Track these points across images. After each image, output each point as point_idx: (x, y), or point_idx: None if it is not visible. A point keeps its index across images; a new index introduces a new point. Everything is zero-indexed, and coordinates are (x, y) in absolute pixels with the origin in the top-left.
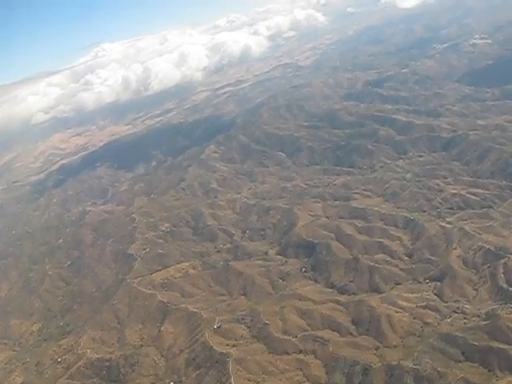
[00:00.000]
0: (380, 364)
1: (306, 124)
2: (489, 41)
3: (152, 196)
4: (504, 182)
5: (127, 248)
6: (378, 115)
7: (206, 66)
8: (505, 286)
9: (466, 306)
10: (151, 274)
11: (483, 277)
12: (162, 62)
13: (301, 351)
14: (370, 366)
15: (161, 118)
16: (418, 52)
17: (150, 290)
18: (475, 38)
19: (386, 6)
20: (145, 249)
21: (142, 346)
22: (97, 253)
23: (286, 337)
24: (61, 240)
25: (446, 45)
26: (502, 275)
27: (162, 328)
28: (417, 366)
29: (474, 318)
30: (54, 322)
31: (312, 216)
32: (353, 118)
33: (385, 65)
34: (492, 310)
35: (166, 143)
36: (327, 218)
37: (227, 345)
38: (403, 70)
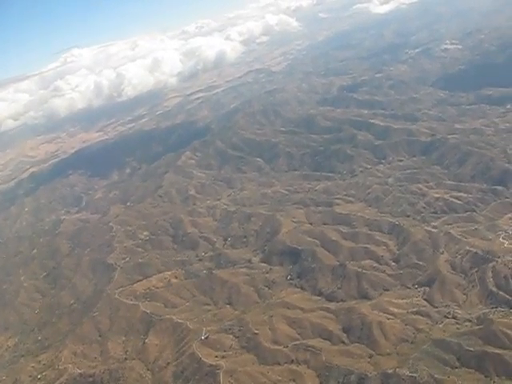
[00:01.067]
0: (375, 372)
1: (283, 129)
2: (459, 46)
3: (128, 204)
4: (485, 185)
5: (106, 257)
6: (356, 120)
7: (181, 71)
8: (494, 289)
9: (457, 310)
10: (132, 284)
11: (472, 281)
12: (135, 68)
13: (292, 361)
14: (366, 374)
15: (133, 124)
16: (390, 57)
17: (132, 300)
18: (446, 44)
19: (357, 11)
20: (124, 258)
21: (126, 359)
22: (74, 263)
23: (276, 347)
24: (35, 250)
25: (417, 50)
26: (491, 279)
27: (146, 340)
28: (413, 374)
29: (465, 323)
30: (31, 337)
31: (295, 222)
32: (330, 123)
33: (358, 70)
34: (483, 314)
35: (140, 150)
36: (311, 224)
37: (216, 356)
38: (377, 75)
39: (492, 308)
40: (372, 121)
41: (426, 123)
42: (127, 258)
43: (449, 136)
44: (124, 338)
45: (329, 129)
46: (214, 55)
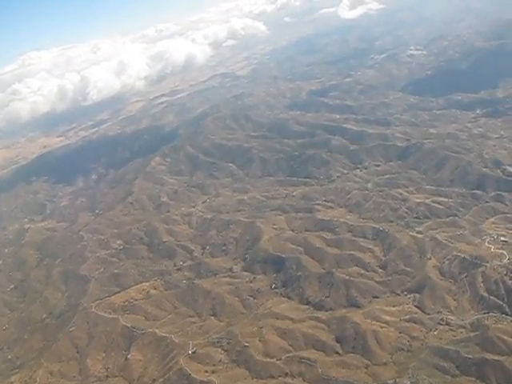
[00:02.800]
0: None
1: (254, 134)
2: (424, 52)
3: (97, 211)
4: (464, 189)
5: (78, 268)
6: (328, 125)
7: (148, 74)
8: (486, 295)
9: (450, 317)
10: (109, 296)
11: (462, 286)
12: (100, 71)
13: (287, 374)
14: None
15: (95, 129)
16: (356, 62)
17: (110, 314)
18: (411, 50)
19: (323, 16)
20: (98, 269)
21: (107, 376)
22: (43, 274)
23: (268, 359)
24: (0, 261)
25: (383, 55)
26: (482, 284)
27: (128, 356)
28: None
29: (460, 330)
30: (0, 356)
31: (276, 229)
32: (302, 128)
33: (325, 74)
34: (477, 320)
35: (106, 155)
36: (292, 230)
37: (206, 371)
38: (346, 80)
39: (484, 313)
40: (345, 125)
41: (399, 128)
42: (101, 269)
43: (424, 141)
44: (104, 354)
45: (302, 133)
46: (183, 59)
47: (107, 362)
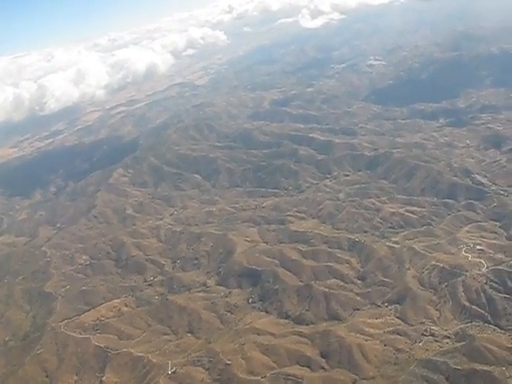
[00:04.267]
0: None
1: (219, 144)
2: (383, 62)
3: (58, 225)
4: (435, 198)
5: (42, 286)
6: (294, 134)
7: (108, 83)
8: (467, 304)
9: (433, 327)
10: (79, 315)
11: (443, 296)
12: (57, 80)
13: None
14: None
15: (51, 139)
16: (316, 72)
17: (80, 334)
18: (370, 60)
19: (280, 26)
20: (64, 286)
21: None
22: (4, 293)
23: (252, 377)
24: None
25: (343, 65)
26: (463, 293)
27: (103, 378)
28: None
29: (445, 340)
30: None
31: (249, 242)
32: (268, 138)
33: (286, 84)
34: (461, 329)
35: (64, 167)
36: (266, 243)
37: None
38: (308, 90)
39: (467, 323)
40: (311, 135)
41: (366, 137)
42: (68, 286)
43: (392, 150)
44: (76, 377)
45: (267, 143)
46: (145, 67)
47: None
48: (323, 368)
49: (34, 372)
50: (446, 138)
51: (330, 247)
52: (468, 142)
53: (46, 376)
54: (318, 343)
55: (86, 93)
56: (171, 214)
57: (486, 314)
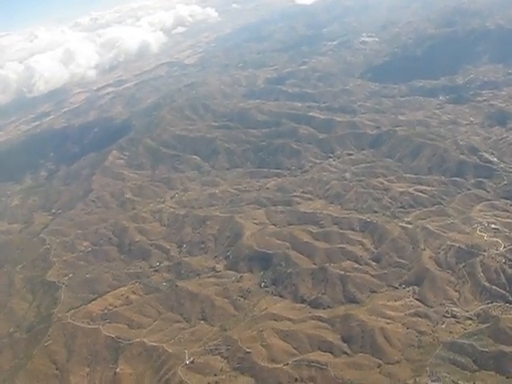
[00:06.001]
0: None
1: (216, 124)
2: (376, 39)
3: (53, 211)
4: (443, 177)
5: (44, 274)
6: (293, 113)
7: (99, 63)
8: (487, 284)
9: (454, 308)
10: (86, 304)
11: (461, 277)
12: (46, 60)
13: (296, 380)
14: None
15: (38, 122)
16: (308, 49)
17: (89, 324)
18: (363, 36)
19: (267, 2)
20: (67, 274)
21: None
22: (4, 283)
23: (274, 365)
24: None
25: (335, 42)
26: (482, 274)
27: (117, 370)
28: (436, 383)
29: (467, 322)
30: None
31: (257, 224)
32: (266, 117)
33: (279, 62)
34: (482, 311)
35: (53, 150)
36: (274, 225)
37: (208, 383)
38: (302, 67)
39: (488, 303)
40: (310, 114)
41: (366, 115)
42: (70, 274)
43: (396, 128)
44: (88, 369)
45: (266, 123)
46: (136, 46)
47: (93, 378)
48: (346, 353)
49: (44, 365)
50: (449, 116)
51: (341, 228)
52: (472, 119)
53: (56, 369)
54: (339, 328)
55: (76, 73)
56: (172, 197)
57: (507, 294)
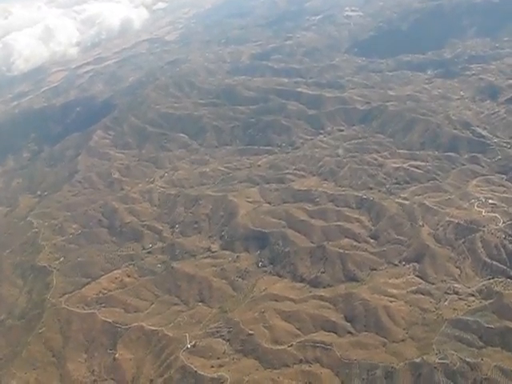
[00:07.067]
0: (402, 363)
1: (202, 102)
2: (360, 13)
3: (39, 193)
4: (437, 152)
5: (34, 259)
6: (280, 89)
7: (80, 41)
8: (488, 260)
9: (455, 285)
10: (79, 289)
11: (461, 253)
12: (24, 38)
13: (301, 361)
14: (392, 367)
15: (16, 102)
16: (291, 24)
17: (84, 309)
18: (347, 11)
19: None
20: (58, 258)
21: (95, 381)
22: None
23: (278, 347)
24: None
25: (319, 17)
26: (482, 249)
27: (116, 355)
28: (444, 360)
29: (470, 298)
30: None
31: (251, 203)
32: (253, 93)
33: (262, 37)
34: (484, 286)
35: (35, 131)
36: (269, 203)
37: (212, 366)
38: (287, 42)
39: (489, 279)
40: (298, 89)
41: (355, 91)
42: (61, 258)
43: (386, 103)
44: (86, 356)
45: (253, 99)
46: (119, 23)
47: (91, 364)
48: (350, 333)
49: (40, 352)
50: (439, 90)
51: (337, 206)
52: (462, 93)
53: (53, 356)
54: (342, 307)
55: (57, 51)
56: (162, 177)
57: (508, 269)
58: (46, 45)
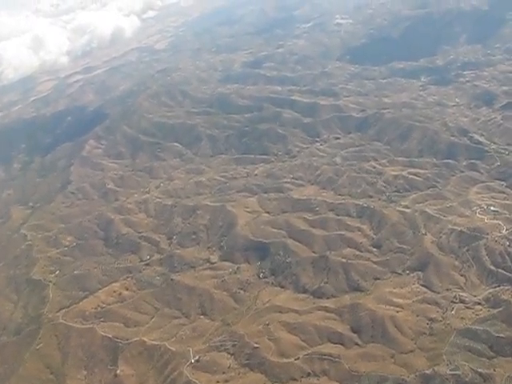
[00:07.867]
0: (413, 375)
1: (195, 110)
2: (350, 21)
3: (31, 204)
4: (435, 160)
5: (28, 272)
6: (274, 97)
7: (70, 49)
8: (493, 268)
9: (461, 293)
10: (76, 303)
11: (466, 261)
12: (13, 47)
13: (309, 374)
14: (403, 379)
15: (5, 112)
16: (282, 32)
17: (82, 324)
18: (337, 18)
19: None
20: (53, 271)
21: None
22: None
23: (285, 360)
24: None
25: (309, 25)
26: (487, 257)
27: (117, 371)
28: (455, 372)
29: (477, 307)
30: None
31: (250, 212)
32: (247, 102)
33: (253, 45)
34: (491, 294)
35: (25, 141)
36: (268, 213)
37: (218, 381)
38: (278, 50)
39: (495, 287)
40: (292, 97)
41: (350, 98)
42: (57, 271)
43: (382, 111)
44: (85, 372)
45: (247, 107)
46: (110, 32)
47: (91, 381)
48: (357, 344)
49: (37, 370)
50: (434, 97)
51: (337, 215)
52: (457, 100)
53: (51, 373)
54: (347, 318)
55: (47, 60)
56: (157, 187)
57: None
58: (36, 54)
